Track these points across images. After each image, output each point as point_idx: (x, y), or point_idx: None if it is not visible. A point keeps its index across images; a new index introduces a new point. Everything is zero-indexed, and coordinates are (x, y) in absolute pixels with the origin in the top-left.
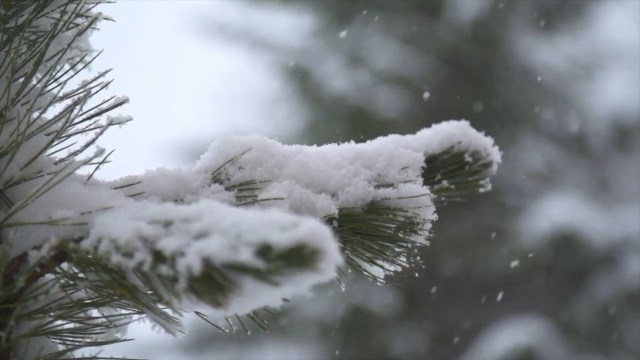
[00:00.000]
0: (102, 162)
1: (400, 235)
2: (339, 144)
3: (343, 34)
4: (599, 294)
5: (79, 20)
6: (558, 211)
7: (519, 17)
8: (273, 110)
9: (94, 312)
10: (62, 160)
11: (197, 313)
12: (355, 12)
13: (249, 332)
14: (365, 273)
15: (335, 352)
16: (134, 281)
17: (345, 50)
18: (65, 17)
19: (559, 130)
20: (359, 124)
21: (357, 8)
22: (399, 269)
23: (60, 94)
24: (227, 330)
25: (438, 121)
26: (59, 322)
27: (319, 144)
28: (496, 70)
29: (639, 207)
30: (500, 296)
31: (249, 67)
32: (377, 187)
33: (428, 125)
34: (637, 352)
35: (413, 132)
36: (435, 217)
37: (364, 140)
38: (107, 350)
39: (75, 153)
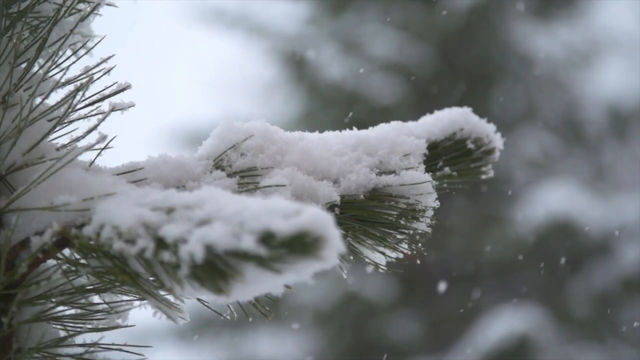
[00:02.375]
0: (104, 148)
1: (402, 222)
2: (340, 131)
3: (338, 20)
4: (594, 282)
5: (81, 5)
6: (554, 199)
7: (515, 5)
8: (269, 96)
9: (96, 299)
10: (64, 146)
11: (198, 300)
12: None
13: (250, 319)
14: (367, 260)
15: (331, 339)
16: (136, 268)
17: (342, 38)
18: (68, 3)
19: (556, 118)
20: (355, 110)
21: None
22: (401, 255)
23: (63, 80)
24: (228, 317)
25: (433, 108)
26: (61, 308)
27: (312, 131)
28: (493, 58)
29: (635, 195)
30: (495, 283)
31: (246, 53)
32: (379, 174)
33: (423, 112)
34: (632, 339)
35: (409, 119)
36: (437, 204)
37: (359, 128)
38: (107, 337)
39: (78, 139)
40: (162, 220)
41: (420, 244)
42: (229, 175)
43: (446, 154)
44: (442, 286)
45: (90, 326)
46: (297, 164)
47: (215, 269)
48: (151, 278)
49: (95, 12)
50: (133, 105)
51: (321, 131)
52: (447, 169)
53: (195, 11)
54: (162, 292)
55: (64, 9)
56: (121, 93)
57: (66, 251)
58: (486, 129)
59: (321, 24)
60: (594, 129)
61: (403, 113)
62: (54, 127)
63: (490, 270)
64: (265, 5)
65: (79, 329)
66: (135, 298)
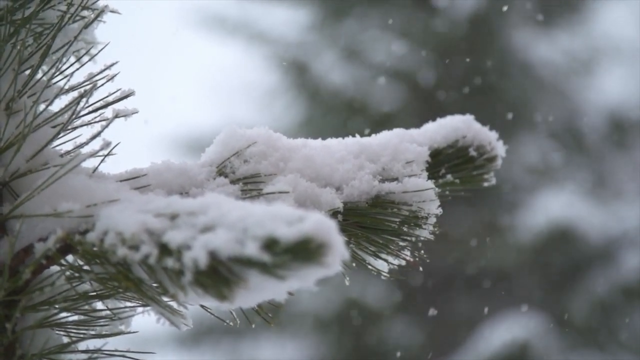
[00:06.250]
0: (108, 154)
1: (405, 229)
2: (343, 138)
3: (340, 27)
4: (595, 289)
5: (85, 12)
6: (555, 206)
7: (516, 12)
8: (270, 103)
9: (99, 305)
10: (68, 152)
11: (201, 306)
12: (352, 5)
13: (253, 326)
14: (370, 267)
15: (331, 346)
16: (139, 274)
17: (342, 44)
18: (72, 10)
19: (556, 125)
20: (356, 117)
21: (353, 2)
22: (403, 262)
23: (67, 87)
24: (231, 323)
25: (434, 115)
26: (64, 314)
27: (315, 137)
28: (493, 65)
29: (636, 202)
30: (496, 290)
31: (247, 60)
32: (382, 181)
33: (425, 120)
34: (633, 347)
35: (410, 125)
36: (439, 211)
37: (360, 135)
38: (110, 343)
39: (81, 145)
40: (166, 227)
41: (422, 251)
42: (232, 182)
43: (448, 161)
44: (443, 293)
45: (93, 332)
46: (300, 170)
47: (219, 275)
48: (155, 284)
49: (98, 19)
50: (136, 112)
51: (323, 138)
52: (449, 176)
53: (196, 18)
54: (165, 299)
55: (67, 15)
56: (124, 100)
57: (70, 257)
58: (488, 137)
59: (322, 30)
60: (594, 136)
61: (405, 120)
62: (58, 133)
63: (491, 278)
64: (266, 12)
65: (82, 335)
66: (138, 304)
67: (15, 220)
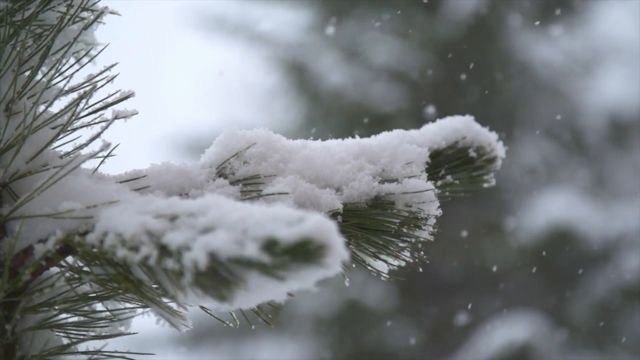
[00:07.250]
0: (108, 155)
1: (404, 230)
2: (343, 139)
3: (340, 28)
4: (595, 290)
5: (84, 14)
6: (554, 207)
7: (516, 13)
8: (270, 104)
9: (99, 306)
10: (67, 153)
11: (201, 307)
12: (352, 6)
13: (253, 327)
14: (370, 268)
15: (331, 347)
16: (139, 275)
17: (342, 45)
18: (72, 11)
19: (556, 126)
20: (356, 118)
21: (354, 3)
22: (403, 263)
23: (66, 88)
24: (231, 324)
25: (435, 117)
26: (64, 315)
27: (315, 139)
28: (493, 66)
29: (635, 203)
30: (496, 291)
31: (247, 61)
32: (382, 182)
33: (424, 121)
34: (633, 347)
35: (409, 126)
36: (439, 212)
37: (360, 136)
38: (110, 344)
39: (81, 147)
40: (166, 228)
41: (422, 252)
42: (232, 183)
43: (448, 162)
44: (442, 294)
45: (93, 334)
46: (299, 172)
47: (219, 276)
48: (154, 285)
49: (98, 20)
50: (136, 113)
51: (323, 139)
52: (449, 177)
53: (196, 19)
54: (165, 300)
55: (67, 17)
56: (124, 101)
57: (69, 259)
58: (488, 138)
59: (322, 31)
60: (594, 137)
61: (404, 121)
62: (58, 134)
63: (490, 278)
64: (266, 13)
65: (82, 337)
66: (138, 305)
67: (15, 221)
